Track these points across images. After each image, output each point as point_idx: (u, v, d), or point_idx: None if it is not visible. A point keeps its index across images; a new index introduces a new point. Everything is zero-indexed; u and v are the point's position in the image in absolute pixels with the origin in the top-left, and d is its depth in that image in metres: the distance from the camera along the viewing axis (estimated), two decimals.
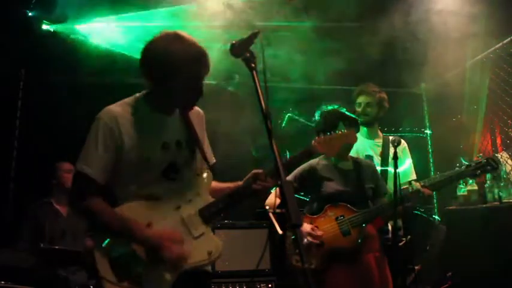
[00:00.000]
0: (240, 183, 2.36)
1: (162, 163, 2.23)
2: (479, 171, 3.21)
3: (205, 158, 2.39)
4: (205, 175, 2.38)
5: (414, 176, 3.89)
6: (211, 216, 2.27)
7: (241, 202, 2.34)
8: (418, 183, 3.29)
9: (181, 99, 2.26)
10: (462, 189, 4.37)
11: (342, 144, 2.56)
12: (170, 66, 2.15)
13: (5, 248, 3.93)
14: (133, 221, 2.14)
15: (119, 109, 2.23)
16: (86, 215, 2.20)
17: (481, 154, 3.24)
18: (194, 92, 2.25)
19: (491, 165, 3.19)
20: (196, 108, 2.43)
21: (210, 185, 2.38)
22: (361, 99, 3.98)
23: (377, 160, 3.86)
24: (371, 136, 3.98)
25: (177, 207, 2.24)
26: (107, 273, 2.08)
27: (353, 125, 3.30)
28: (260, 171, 2.32)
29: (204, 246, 2.22)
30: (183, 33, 2.22)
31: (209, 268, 2.35)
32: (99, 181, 2.15)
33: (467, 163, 3.27)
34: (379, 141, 3.98)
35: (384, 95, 4.01)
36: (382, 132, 4.10)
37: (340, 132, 2.55)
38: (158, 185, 2.23)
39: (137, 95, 2.30)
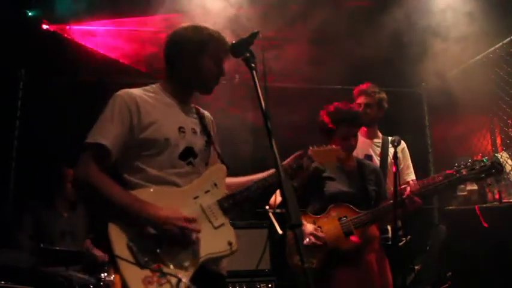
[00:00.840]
0: (261, 174, 2.40)
1: (179, 145, 2.24)
2: (483, 175, 3.09)
3: (218, 152, 2.45)
4: (221, 167, 2.39)
5: (413, 176, 3.89)
6: (231, 207, 2.26)
7: (272, 188, 2.36)
8: (408, 188, 3.27)
9: (204, 77, 2.33)
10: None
11: (334, 157, 2.67)
12: (198, 43, 2.29)
13: (5, 248, 3.93)
14: (147, 202, 2.08)
15: (137, 91, 2.29)
16: (99, 190, 2.07)
17: (485, 158, 3.11)
18: (216, 71, 2.34)
19: (497, 168, 3.08)
20: (207, 113, 2.53)
21: (225, 178, 2.37)
22: (360, 100, 3.98)
23: (376, 160, 3.86)
24: (370, 136, 3.99)
25: (195, 196, 2.22)
26: (123, 252, 2.00)
27: (353, 124, 3.29)
28: (301, 152, 2.48)
29: (224, 237, 2.19)
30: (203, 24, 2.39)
31: (224, 271, 2.32)
32: (113, 154, 2.12)
33: (469, 164, 3.14)
34: (379, 141, 3.98)
35: (384, 96, 4.01)
36: (382, 132, 4.10)
37: (331, 146, 2.66)
38: (176, 169, 2.21)
39: (153, 85, 2.37)
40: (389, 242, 3.56)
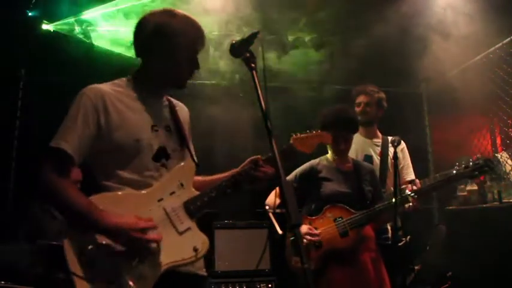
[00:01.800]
0: (227, 174, 2.24)
1: (153, 145, 2.08)
2: (476, 173, 3.15)
3: (189, 149, 2.26)
4: (189, 165, 2.19)
5: (413, 176, 3.89)
6: (198, 210, 2.09)
7: (236, 190, 2.18)
8: (409, 186, 3.28)
9: (178, 71, 2.15)
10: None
11: (317, 143, 2.49)
12: (171, 34, 2.09)
13: (5, 247, 3.93)
14: (103, 210, 1.91)
15: (106, 87, 2.11)
16: (56, 196, 1.94)
17: (479, 155, 3.16)
18: (191, 63, 2.16)
19: (489, 166, 3.14)
20: (181, 104, 2.36)
21: (193, 177, 2.19)
22: (360, 99, 3.99)
23: (376, 160, 3.87)
24: (370, 136, 3.99)
25: (159, 199, 2.04)
26: (78, 269, 1.85)
27: (346, 128, 3.29)
28: (258, 156, 2.21)
29: (189, 242, 2.03)
30: (180, 10, 2.19)
31: (203, 271, 2.17)
32: (75, 158, 1.97)
33: (463, 164, 3.21)
34: (378, 141, 3.98)
35: (383, 95, 4.02)
36: (382, 132, 4.10)
37: (315, 131, 2.48)
38: (151, 172, 2.06)
39: (124, 78, 2.20)
40: (389, 242, 3.56)
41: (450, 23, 5.05)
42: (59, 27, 5.26)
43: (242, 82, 5.29)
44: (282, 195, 1.60)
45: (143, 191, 2.04)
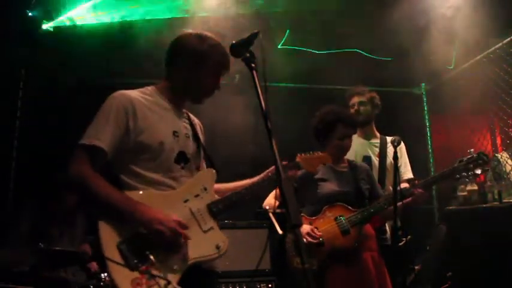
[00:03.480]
0: (250, 180, 2.46)
1: (174, 149, 2.26)
2: (471, 165, 3.19)
3: (211, 161, 2.47)
4: (211, 172, 2.41)
5: (411, 175, 3.89)
6: (220, 211, 2.29)
7: (257, 196, 2.42)
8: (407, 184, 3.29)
9: (200, 88, 2.37)
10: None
11: (319, 164, 2.72)
12: (201, 54, 2.31)
13: (3, 249, 3.93)
14: (143, 204, 2.10)
15: (134, 93, 2.29)
16: (92, 189, 2.08)
17: (471, 149, 3.26)
18: (213, 84, 2.39)
19: (483, 159, 3.18)
20: (196, 119, 2.56)
21: (214, 183, 2.39)
22: (354, 100, 4.01)
23: (375, 161, 3.87)
24: (368, 136, 3.98)
25: (185, 200, 2.24)
26: (113, 254, 2.01)
27: (350, 125, 3.32)
28: (285, 162, 2.45)
29: (212, 240, 2.22)
30: (212, 35, 2.41)
31: (219, 268, 2.38)
32: (108, 154, 2.12)
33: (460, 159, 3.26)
34: (377, 141, 3.98)
35: (375, 94, 4.04)
36: (382, 132, 4.10)
37: (317, 153, 2.70)
38: (173, 173, 2.24)
39: (149, 87, 2.38)
40: (388, 243, 3.56)
41: (450, 23, 5.05)
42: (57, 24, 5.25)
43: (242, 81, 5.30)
44: (282, 195, 1.60)
45: (169, 192, 2.22)
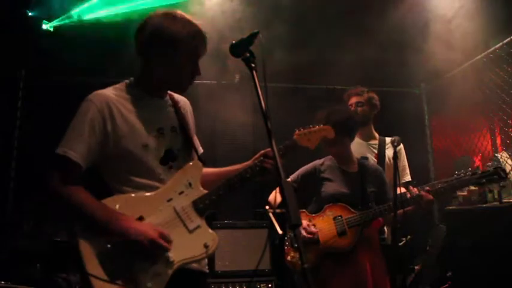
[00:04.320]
0: (238, 166, 2.30)
1: (160, 149, 2.14)
2: (484, 180, 3.09)
3: (195, 147, 2.32)
4: (196, 165, 2.25)
5: (409, 178, 3.88)
6: (206, 207, 2.16)
7: (243, 185, 2.23)
8: (415, 189, 3.26)
9: (179, 76, 2.18)
10: None
11: (320, 137, 2.50)
12: (172, 39, 2.10)
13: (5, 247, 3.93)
14: (119, 213, 1.99)
15: (111, 93, 2.13)
16: (66, 203, 2.00)
17: (490, 163, 3.09)
18: (192, 69, 2.19)
19: (499, 174, 3.06)
20: (183, 98, 2.38)
21: (200, 176, 2.23)
22: (352, 101, 4.01)
23: (373, 162, 3.86)
24: (366, 138, 3.98)
25: (168, 199, 2.11)
26: (95, 270, 1.91)
27: (357, 125, 3.32)
28: (269, 149, 2.23)
29: (200, 239, 2.10)
30: (183, 12, 2.19)
31: (206, 268, 2.25)
32: (82, 166, 2.01)
33: (470, 171, 3.16)
34: (375, 142, 3.97)
35: (373, 95, 4.03)
36: (382, 132, 4.09)
37: (318, 126, 2.49)
38: (157, 174, 2.12)
39: (126, 80, 2.23)
40: (385, 242, 3.55)
41: (450, 23, 5.05)
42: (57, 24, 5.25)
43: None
44: (282, 195, 1.60)
45: (152, 193, 2.10)
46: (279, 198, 3.03)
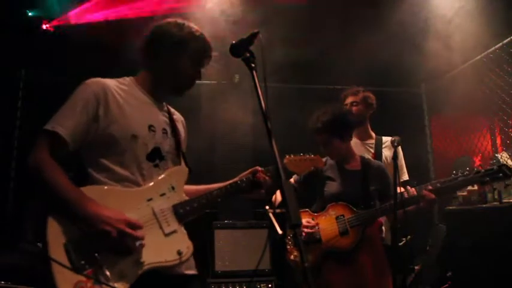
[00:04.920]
0: (221, 184, 2.31)
1: (148, 144, 2.11)
2: (487, 178, 3.01)
3: (183, 155, 2.31)
4: (182, 169, 2.24)
5: (406, 177, 3.88)
6: (186, 214, 2.11)
7: (233, 196, 2.28)
8: (413, 188, 3.25)
9: (179, 79, 2.24)
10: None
11: (310, 166, 2.59)
12: (180, 43, 2.19)
13: (5, 249, 3.93)
14: (91, 198, 1.92)
15: (110, 81, 2.16)
16: (43, 177, 1.92)
17: (492, 162, 3.02)
18: (193, 75, 2.26)
19: (504, 172, 2.96)
20: (178, 113, 2.43)
21: (185, 182, 2.22)
22: (347, 101, 4.00)
23: None
24: (362, 137, 3.97)
25: (148, 198, 2.06)
26: (58, 253, 1.84)
27: (348, 124, 3.31)
28: (259, 168, 2.33)
29: (174, 245, 2.03)
30: (190, 22, 2.30)
31: (194, 271, 2.18)
32: (70, 144, 1.98)
33: (475, 169, 3.10)
34: (372, 142, 3.97)
35: (369, 94, 4.02)
36: (381, 132, 4.09)
37: (308, 155, 2.58)
38: (140, 169, 2.08)
39: (127, 77, 2.26)
40: (384, 242, 3.55)
41: (450, 23, 5.06)
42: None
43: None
44: (282, 195, 1.60)
45: (133, 189, 2.05)
46: (279, 197, 3.02)
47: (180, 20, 2.27)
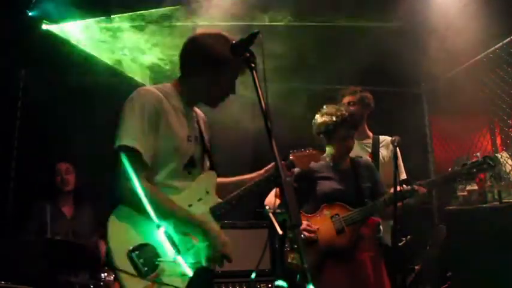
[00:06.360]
0: (249, 176, 2.46)
1: (186, 155, 2.24)
2: (475, 170, 3.14)
3: (211, 158, 2.43)
4: (212, 174, 2.39)
5: (404, 176, 3.88)
6: (222, 215, 2.31)
7: (260, 192, 2.44)
8: (408, 187, 3.27)
9: (215, 93, 2.31)
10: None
11: (310, 161, 2.71)
12: (222, 57, 2.20)
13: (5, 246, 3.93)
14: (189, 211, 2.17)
15: (160, 92, 2.20)
16: (142, 197, 2.03)
17: (477, 153, 3.17)
18: (231, 88, 2.33)
19: (488, 163, 3.11)
20: (199, 111, 2.48)
21: (215, 185, 2.38)
22: (345, 101, 4.01)
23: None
24: (359, 137, 3.97)
25: (189, 204, 2.22)
26: (123, 263, 2.00)
27: (351, 125, 3.32)
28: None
29: None
30: (227, 34, 2.32)
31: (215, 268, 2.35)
32: (148, 164, 2.08)
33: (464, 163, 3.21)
34: (369, 141, 3.97)
35: (366, 94, 4.02)
36: (381, 132, 4.09)
37: (308, 150, 2.68)
38: (179, 178, 2.22)
39: (167, 84, 2.32)
40: (383, 241, 3.55)
41: (450, 23, 5.05)
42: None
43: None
44: (282, 195, 1.60)
45: (174, 197, 2.17)
46: (277, 201, 3.04)
47: (219, 33, 2.30)
